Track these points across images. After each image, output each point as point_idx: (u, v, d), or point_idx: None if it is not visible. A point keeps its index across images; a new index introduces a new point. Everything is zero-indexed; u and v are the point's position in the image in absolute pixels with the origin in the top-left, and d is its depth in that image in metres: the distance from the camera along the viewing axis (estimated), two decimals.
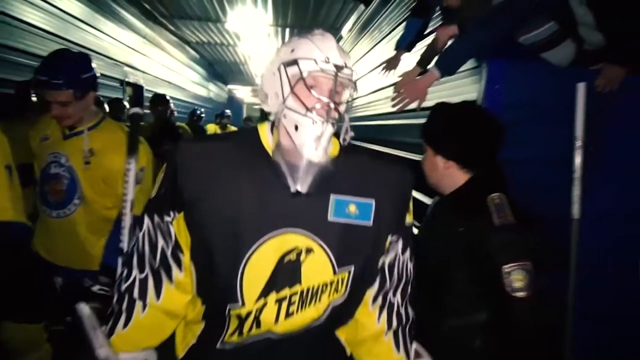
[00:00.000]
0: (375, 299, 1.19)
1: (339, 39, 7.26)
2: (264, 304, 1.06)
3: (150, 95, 5.69)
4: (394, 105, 2.02)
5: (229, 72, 15.11)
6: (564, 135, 1.97)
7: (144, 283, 1.12)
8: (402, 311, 1.22)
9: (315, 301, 1.08)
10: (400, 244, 1.18)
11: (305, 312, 1.08)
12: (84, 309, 1.11)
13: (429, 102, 1.91)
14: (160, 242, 1.11)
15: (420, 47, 2.69)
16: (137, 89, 7.49)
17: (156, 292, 1.11)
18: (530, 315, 1.42)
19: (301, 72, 1.00)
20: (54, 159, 2.04)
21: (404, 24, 2.96)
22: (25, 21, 4.11)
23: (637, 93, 2.01)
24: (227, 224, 1.04)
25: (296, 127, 1.00)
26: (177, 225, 1.09)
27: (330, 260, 1.08)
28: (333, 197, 1.07)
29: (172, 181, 1.07)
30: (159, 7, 7.36)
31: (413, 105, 1.99)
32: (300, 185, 1.03)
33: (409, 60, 2.66)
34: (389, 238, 1.15)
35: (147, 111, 5.02)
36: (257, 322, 1.07)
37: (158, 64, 8.55)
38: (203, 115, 7.71)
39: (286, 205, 1.05)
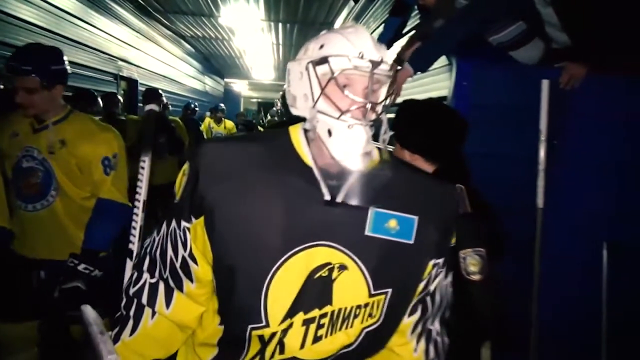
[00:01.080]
0: (415, 327, 1.07)
1: None
2: (290, 325, 0.95)
3: (144, 89, 5.77)
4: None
5: (225, 66, 15.17)
6: (529, 131, 2.08)
7: (154, 288, 1.03)
8: (439, 338, 1.11)
9: (347, 325, 0.97)
10: (445, 269, 1.07)
11: (335, 338, 0.97)
12: (90, 312, 0.99)
13: (411, 97, 2.02)
14: (170, 251, 1.01)
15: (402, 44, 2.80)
16: (131, 83, 7.59)
17: (166, 299, 1.02)
18: (484, 296, 1.53)
19: (332, 71, 0.89)
20: (25, 153, 2.05)
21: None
22: (19, 17, 4.19)
23: (598, 89, 2.12)
24: (252, 234, 0.93)
25: (329, 132, 0.90)
26: (195, 231, 0.98)
27: (366, 280, 0.96)
28: (372, 210, 0.95)
29: (193, 185, 0.97)
30: (152, 2, 7.42)
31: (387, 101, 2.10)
32: (336, 194, 0.93)
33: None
34: (431, 262, 1.03)
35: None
36: (281, 346, 0.96)
37: (153, 58, 8.62)
38: (197, 108, 7.79)
39: (319, 215, 0.93)
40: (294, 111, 0.99)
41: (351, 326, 0.98)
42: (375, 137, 0.94)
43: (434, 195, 1.03)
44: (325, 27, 7.72)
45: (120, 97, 5.71)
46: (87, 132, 2.08)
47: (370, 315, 0.99)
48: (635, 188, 2.23)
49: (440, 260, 1.04)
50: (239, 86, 19.60)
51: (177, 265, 1.01)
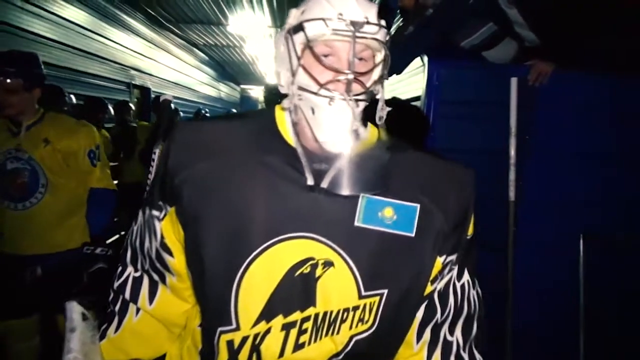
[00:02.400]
0: (420, 334, 0.92)
1: None
2: (267, 330, 0.83)
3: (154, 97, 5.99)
4: None
5: (240, 73, 15.42)
6: (499, 126, 2.16)
7: (137, 283, 0.96)
8: (466, 356, 0.93)
9: (333, 331, 0.84)
10: (458, 266, 0.92)
11: (319, 345, 0.84)
12: (73, 307, 0.93)
13: (394, 96, 2.12)
14: (146, 242, 0.93)
15: None
16: (144, 91, 7.85)
17: (150, 294, 0.95)
18: None
19: (307, 39, 0.78)
20: (8, 155, 2.15)
21: None
22: (34, 32, 4.44)
23: (565, 85, 2.19)
24: (225, 221, 0.82)
25: (312, 110, 0.79)
26: (167, 222, 0.90)
27: (356, 279, 0.83)
28: (363, 197, 0.82)
29: (164, 167, 0.88)
30: (162, 13, 7.67)
31: None
32: (321, 178, 0.80)
33: None
34: (441, 258, 0.88)
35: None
36: (256, 353, 0.83)
37: (165, 66, 8.88)
38: (207, 114, 8.00)
39: (302, 203, 0.82)
40: (282, 89, 0.87)
41: (338, 332, 0.84)
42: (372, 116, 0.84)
43: (444, 179, 0.88)
44: None
45: (132, 105, 5.94)
46: (68, 128, 2.24)
47: (361, 320, 0.84)
48: (610, 179, 2.28)
49: (453, 257, 0.89)
50: (256, 92, 19.87)
51: (153, 257, 0.93)
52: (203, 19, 8.01)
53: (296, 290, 0.83)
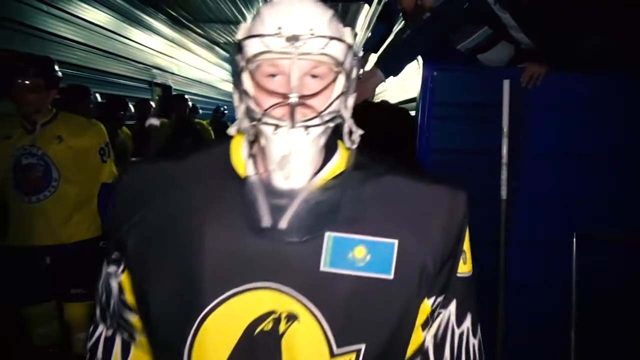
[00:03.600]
0: None
1: (354, 35, 7.55)
2: None
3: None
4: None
5: None
6: (491, 126, 2.24)
7: (109, 343, 0.86)
8: None
9: None
10: (451, 309, 0.80)
11: None
12: None
13: (394, 98, 2.20)
14: (111, 298, 0.84)
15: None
16: (165, 89, 8.08)
17: (122, 356, 0.84)
18: None
19: (246, 59, 0.70)
20: (23, 151, 2.31)
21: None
22: (59, 34, 4.66)
23: (558, 86, 2.24)
24: (172, 274, 0.73)
25: (263, 139, 0.71)
26: (126, 276, 0.80)
27: (325, 334, 0.71)
28: (329, 236, 0.72)
29: (111, 216, 0.81)
30: (182, 13, 7.89)
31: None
32: (279, 217, 0.70)
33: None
34: (429, 301, 0.77)
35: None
36: None
37: (186, 64, 9.12)
38: (226, 111, 8.19)
39: (259, 247, 0.71)
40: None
41: None
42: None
43: (428, 206, 0.76)
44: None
45: (152, 103, 6.16)
46: (80, 127, 2.43)
47: None
48: (603, 179, 2.33)
49: (441, 299, 0.78)
50: None
51: (117, 314, 0.83)
52: (222, 18, 8.19)
53: (258, 350, 0.71)
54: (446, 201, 0.77)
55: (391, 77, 2.30)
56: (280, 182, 0.70)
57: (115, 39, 6.05)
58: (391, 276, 0.73)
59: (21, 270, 2.36)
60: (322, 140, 0.73)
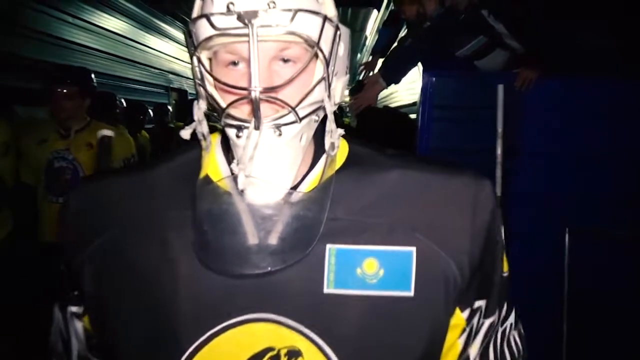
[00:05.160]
0: None
1: (364, 39, 7.75)
2: None
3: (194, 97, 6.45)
4: (350, 109, 2.55)
5: None
6: (487, 127, 2.40)
7: None
8: None
9: None
10: (497, 315, 0.69)
11: None
12: None
13: (404, 100, 2.37)
14: (71, 346, 0.70)
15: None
16: (182, 93, 8.35)
17: None
18: None
19: (194, 44, 0.57)
20: (56, 155, 2.49)
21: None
22: (79, 43, 4.93)
23: (549, 89, 2.40)
24: (143, 316, 0.60)
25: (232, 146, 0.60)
26: (86, 319, 0.67)
27: None
28: (331, 249, 0.59)
29: (64, 245, 0.68)
30: None
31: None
32: (268, 231, 0.58)
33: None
34: (463, 313, 0.65)
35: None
36: None
37: None
38: None
39: (245, 272, 0.58)
40: None
41: None
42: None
43: (448, 202, 0.63)
44: (357, 34, 8.12)
45: (170, 107, 6.41)
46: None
47: None
48: (595, 176, 2.47)
49: (482, 303, 0.66)
50: None
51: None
52: None
53: None
54: (468, 194, 0.63)
55: (404, 80, 2.49)
56: (253, 196, 0.57)
57: (134, 47, 6.32)
58: (411, 293, 0.59)
59: (49, 266, 2.59)
60: (306, 138, 0.60)
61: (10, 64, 3.66)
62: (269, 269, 0.57)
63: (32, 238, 2.57)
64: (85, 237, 0.65)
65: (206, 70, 0.58)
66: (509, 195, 2.44)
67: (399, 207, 0.62)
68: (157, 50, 7.19)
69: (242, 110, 0.57)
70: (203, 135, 0.62)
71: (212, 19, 0.54)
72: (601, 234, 2.47)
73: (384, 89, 2.46)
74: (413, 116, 2.65)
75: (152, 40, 7.02)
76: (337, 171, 0.63)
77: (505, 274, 0.70)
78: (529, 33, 2.36)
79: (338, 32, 0.59)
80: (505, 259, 0.70)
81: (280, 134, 0.56)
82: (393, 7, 3.32)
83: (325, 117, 0.61)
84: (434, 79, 2.42)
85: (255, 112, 0.53)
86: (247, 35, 0.51)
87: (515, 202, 2.47)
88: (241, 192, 0.58)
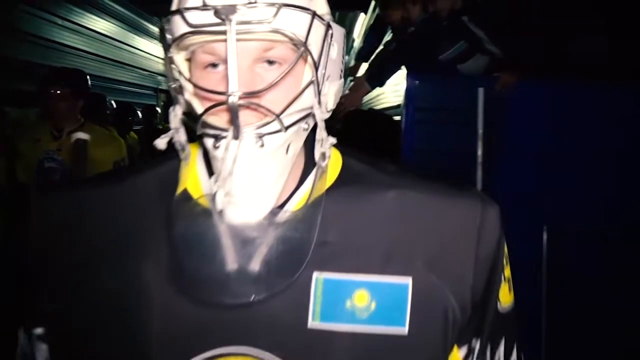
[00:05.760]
0: None
1: (352, 42, 7.85)
2: None
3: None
4: (336, 111, 2.63)
5: None
6: (468, 130, 2.50)
7: None
8: None
9: None
10: (499, 354, 0.63)
11: None
12: None
13: (391, 102, 2.46)
14: None
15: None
16: (170, 95, 8.37)
17: None
18: None
19: (168, 44, 0.52)
20: (46, 155, 2.49)
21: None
22: (67, 44, 4.95)
23: (527, 93, 2.51)
24: (113, 343, 0.55)
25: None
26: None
27: None
28: (318, 278, 0.54)
29: (21, 269, 0.62)
30: None
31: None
32: (250, 256, 0.52)
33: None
34: (460, 351, 0.60)
35: None
36: None
37: None
38: None
39: (223, 300, 0.53)
40: None
41: None
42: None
43: (449, 224, 0.58)
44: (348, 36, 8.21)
45: (158, 109, 6.45)
46: (100, 139, 2.63)
47: None
48: (573, 175, 2.58)
49: (477, 345, 0.61)
50: None
51: None
52: None
53: None
54: (472, 220, 0.59)
55: (390, 82, 2.58)
56: (234, 216, 0.52)
57: (122, 49, 6.35)
58: (406, 329, 0.54)
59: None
60: (294, 149, 0.54)
61: None
62: (251, 298, 0.51)
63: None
64: (50, 253, 0.58)
65: (179, 73, 0.53)
66: (488, 194, 2.53)
67: (396, 232, 0.57)
68: (146, 52, 7.22)
69: (221, 118, 0.52)
70: (181, 145, 0.55)
71: (187, 14, 0.49)
72: (579, 232, 2.57)
73: (369, 92, 2.55)
74: (398, 118, 2.73)
75: (141, 42, 7.05)
76: (329, 188, 0.58)
77: (508, 309, 0.63)
78: (507, 39, 2.46)
79: (330, 32, 0.54)
80: (510, 292, 0.63)
81: (262, 145, 0.50)
82: (379, 12, 3.42)
83: (316, 125, 0.56)
84: (417, 82, 2.51)
85: (234, 119, 0.48)
86: (225, 33, 0.47)
87: (494, 200, 2.56)
88: (220, 212, 0.53)
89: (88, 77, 2.69)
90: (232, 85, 0.47)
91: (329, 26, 0.54)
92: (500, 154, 2.54)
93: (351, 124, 2.23)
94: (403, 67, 2.83)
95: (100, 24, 5.70)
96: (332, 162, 0.60)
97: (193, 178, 0.59)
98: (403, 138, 2.55)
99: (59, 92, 2.48)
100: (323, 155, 0.57)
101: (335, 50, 0.56)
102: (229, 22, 0.46)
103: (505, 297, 0.63)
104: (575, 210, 2.57)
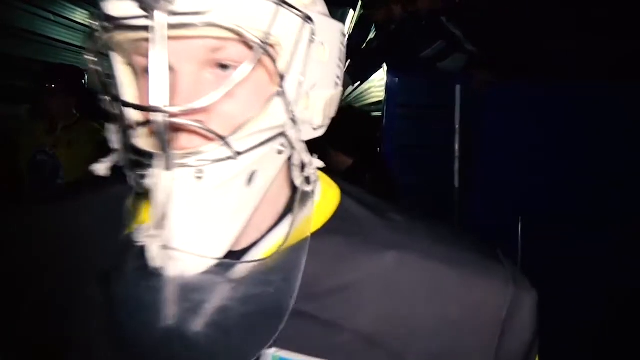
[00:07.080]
0: None
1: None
2: None
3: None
4: None
5: None
6: (446, 125, 2.62)
7: None
8: None
9: None
10: None
11: None
12: None
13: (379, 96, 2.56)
14: None
15: None
16: None
17: None
18: None
19: (94, 43, 0.42)
20: (40, 149, 2.57)
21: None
22: (60, 40, 5.00)
23: (503, 90, 2.62)
24: None
25: None
26: None
27: None
28: (274, 356, 0.44)
29: None
30: None
31: None
32: (188, 315, 0.42)
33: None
34: None
35: None
36: None
37: None
38: None
39: None
40: None
41: None
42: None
43: (466, 309, 0.46)
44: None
45: None
46: (90, 136, 2.68)
47: None
48: (547, 167, 2.70)
49: None
50: None
51: None
52: None
53: None
54: (497, 308, 0.46)
55: (376, 77, 2.68)
56: (177, 271, 0.42)
57: None
58: None
59: None
60: (264, 180, 0.44)
61: None
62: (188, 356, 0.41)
63: None
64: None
65: (100, 80, 0.42)
66: (465, 187, 2.66)
67: (387, 311, 0.44)
68: None
69: (153, 141, 0.40)
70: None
71: (106, 4, 0.39)
72: (553, 222, 2.69)
73: (350, 85, 2.65)
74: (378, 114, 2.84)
75: None
76: (316, 233, 0.46)
77: None
78: (482, 39, 2.57)
79: (308, 26, 0.41)
80: None
81: (201, 177, 0.39)
82: (363, 11, 3.52)
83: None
84: (397, 79, 2.62)
85: (163, 144, 0.37)
86: (141, 31, 0.37)
87: (469, 190, 2.69)
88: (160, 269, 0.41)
89: (85, 73, 2.74)
90: (155, 98, 0.35)
91: (308, 19, 0.41)
92: (477, 148, 2.66)
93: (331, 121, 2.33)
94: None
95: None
96: (326, 199, 0.49)
97: (147, 212, 0.44)
98: (384, 134, 2.65)
99: (51, 87, 2.54)
100: (307, 180, 0.45)
101: (326, 51, 0.45)
102: (151, 14, 0.35)
103: None
104: (547, 201, 2.70)
